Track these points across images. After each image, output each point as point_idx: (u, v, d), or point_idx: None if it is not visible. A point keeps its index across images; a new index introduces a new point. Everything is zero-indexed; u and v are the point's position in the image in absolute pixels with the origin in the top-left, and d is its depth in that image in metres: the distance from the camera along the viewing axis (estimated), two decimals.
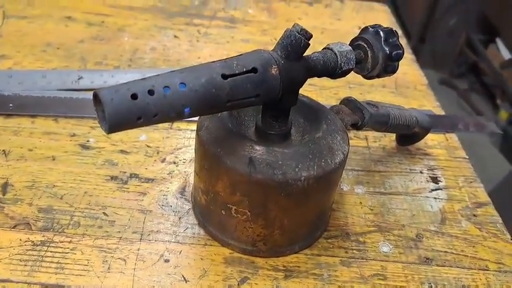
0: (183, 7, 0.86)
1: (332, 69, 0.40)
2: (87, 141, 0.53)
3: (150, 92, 0.30)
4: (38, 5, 0.79)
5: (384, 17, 0.92)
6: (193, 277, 0.40)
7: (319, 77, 0.40)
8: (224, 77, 0.33)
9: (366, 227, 0.47)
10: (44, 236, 0.41)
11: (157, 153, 0.52)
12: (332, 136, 0.40)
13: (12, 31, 0.71)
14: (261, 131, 0.41)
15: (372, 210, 0.49)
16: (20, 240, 0.41)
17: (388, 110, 0.48)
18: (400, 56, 0.41)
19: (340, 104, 0.48)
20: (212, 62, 0.34)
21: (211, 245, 0.43)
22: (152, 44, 0.73)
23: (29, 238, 0.41)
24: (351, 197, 0.50)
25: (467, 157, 0.58)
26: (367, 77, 0.43)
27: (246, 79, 0.34)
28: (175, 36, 0.76)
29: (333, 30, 0.84)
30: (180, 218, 0.45)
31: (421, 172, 0.55)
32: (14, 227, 0.42)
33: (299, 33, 0.36)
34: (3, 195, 0.45)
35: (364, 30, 0.43)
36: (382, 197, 0.51)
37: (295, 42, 0.36)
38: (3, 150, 0.50)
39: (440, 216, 0.49)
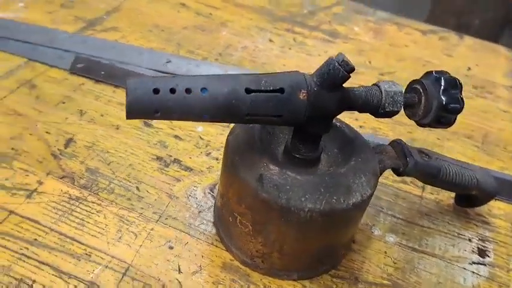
0: (290, 13, 0.87)
1: (374, 107, 0.38)
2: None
3: (172, 91, 0.32)
4: None
5: (503, 63, 0.83)
6: (188, 271, 0.41)
7: (359, 112, 0.38)
8: (248, 91, 0.34)
9: (381, 278, 0.44)
10: (81, 193, 0.47)
11: (206, 146, 0.55)
12: (356, 175, 0.38)
13: (130, 8, 0.79)
14: (287, 152, 0.40)
15: (394, 263, 0.45)
16: (61, 190, 0.47)
17: (441, 164, 0.44)
18: (457, 110, 0.38)
19: (388, 144, 0.45)
20: (245, 74, 0.35)
21: (216, 246, 0.44)
22: (246, 43, 0.76)
23: (68, 191, 0.47)
24: (378, 243, 0.47)
25: None
26: (419, 123, 0.40)
27: (270, 97, 0.34)
28: (270, 40, 0.78)
29: (436, 66, 0.78)
30: (199, 212, 0.47)
31: (469, 240, 0.49)
32: (61, 178, 0.48)
33: (339, 64, 0.35)
34: (65, 148, 0.51)
35: (427, 74, 0.40)
36: (412, 253, 0.47)
37: (333, 72, 0.35)
38: (81, 110, 0.57)
39: None
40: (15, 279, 0.39)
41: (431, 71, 0.39)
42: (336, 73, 0.35)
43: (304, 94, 0.35)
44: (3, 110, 0.54)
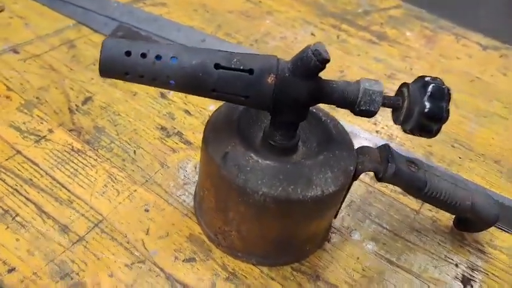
0: (343, 10, 0.85)
1: (350, 103, 0.37)
2: (168, 92, 0.60)
3: (143, 55, 0.34)
4: None
5: None
6: (155, 234, 0.43)
7: (337, 106, 0.37)
8: (217, 66, 0.34)
9: (343, 282, 0.43)
10: (82, 147, 0.50)
11: None
12: (322, 170, 0.37)
13: None
14: (264, 138, 0.40)
15: (363, 271, 0.44)
16: (66, 141, 0.51)
17: (429, 178, 0.42)
18: (439, 119, 0.36)
19: (377, 148, 0.43)
20: (220, 50, 0.36)
21: (190, 218, 0.45)
22: (286, 34, 0.76)
23: (72, 143, 0.51)
24: (354, 248, 0.46)
25: None
26: (402, 129, 0.38)
27: (238, 76, 0.35)
28: (312, 34, 0.77)
29: (485, 84, 0.72)
30: (184, 184, 0.49)
31: (456, 265, 0.46)
32: (70, 130, 0.52)
33: (313, 53, 0.34)
34: (82, 105, 0.55)
35: (419, 78, 0.38)
36: (386, 265, 0.45)
37: (306, 59, 0.34)
38: None
39: None
40: (3, 209, 0.43)
41: (424, 76, 0.37)
42: (307, 61, 0.34)
43: (272, 78, 0.35)
44: (40, 63, 0.60)
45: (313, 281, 0.42)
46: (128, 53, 0.34)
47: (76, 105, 0.55)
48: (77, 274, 0.39)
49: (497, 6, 1.07)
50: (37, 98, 0.55)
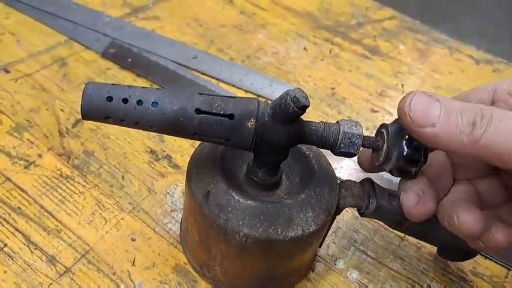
0: (336, 22, 0.85)
1: (331, 145, 0.37)
2: None
3: (124, 101, 0.34)
4: None
5: None
6: (141, 265, 0.44)
7: (317, 147, 0.38)
8: (198, 111, 0.35)
9: None
10: (71, 172, 0.51)
11: None
12: (303, 209, 0.38)
13: None
14: (247, 173, 0.41)
15: None
16: (55, 167, 0.51)
17: None
18: (417, 162, 0.36)
19: (359, 181, 0.44)
20: (201, 93, 0.36)
21: (175, 247, 0.46)
22: (278, 48, 0.76)
23: (61, 168, 0.51)
24: (338, 277, 0.47)
25: None
26: (384, 170, 0.39)
27: (218, 121, 0.35)
28: (304, 48, 0.77)
29: None
30: (171, 211, 0.49)
31: None
32: (59, 155, 0.53)
33: (291, 100, 0.35)
34: (72, 127, 0.56)
35: (397, 120, 0.38)
36: None
37: (284, 106, 0.35)
38: None
39: None
40: (7, 237, 0.44)
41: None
42: (286, 108, 0.34)
43: (252, 123, 0.35)
44: (31, 83, 0.60)
45: None
46: (110, 99, 0.34)
47: (66, 127, 0.56)
48: None
49: (493, 18, 1.06)
50: (28, 120, 0.56)
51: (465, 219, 0.35)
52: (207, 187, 0.38)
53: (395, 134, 0.36)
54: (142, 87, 0.36)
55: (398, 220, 0.42)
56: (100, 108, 0.34)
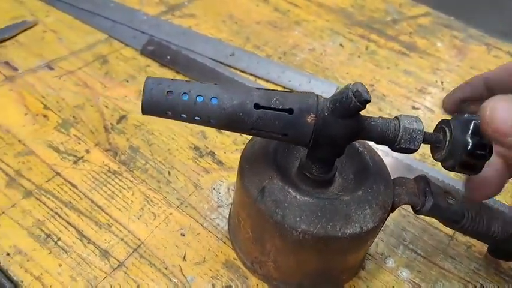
0: (371, 18, 0.84)
1: (390, 140, 0.36)
2: None
3: (184, 95, 0.34)
4: None
5: None
6: (192, 259, 0.44)
7: (375, 142, 0.37)
8: (257, 106, 0.35)
9: None
10: (119, 168, 0.51)
11: (243, 144, 0.56)
12: (360, 206, 0.37)
13: None
14: (300, 169, 0.41)
15: None
16: (103, 162, 0.52)
17: (466, 210, 0.41)
18: (483, 157, 0.35)
19: (413, 178, 0.43)
20: (259, 88, 0.36)
21: (224, 243, 0.46)
22: (314, 45, 0.76)
23: (108, 164, 0.52)
24: (389, 275, 0.46)
25: None
26: (443, 166, 0.38)
27: (277, 116, 0.35)
28: (340, 45, 0.77)
29: None
30: (218, 207, 0.49)
31: None
32: (106, 151, 0.53)
33: (353, 94, 0.34)
34: (117, 123, 0.56)
35: (459, 114, 0.37)
36: None
37: (345, 100, 0.34)
38: (140, 90, 0.61)
39: None
40: (45, 233, 0.44)
41: (464, 113, 0.37)
42: (347, 102, 0.34)
43: (312, 118, 0.35)
44: (75, 80, 0.61)
45: None
46: (170, 93, 0.34)
47: (111, 123, 0.56)
48: None
49: None
50: (73, 116, 0.56)
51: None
52: (262, 183, 0.38)
53: (458, 130, 0.36)
54: (201, 83, 0.36)
55: (455, 219, 0.41)
56: (160, 103, 0.34)
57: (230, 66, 0.68)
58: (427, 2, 0.92)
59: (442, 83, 0.72)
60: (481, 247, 0.50)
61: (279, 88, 0.66)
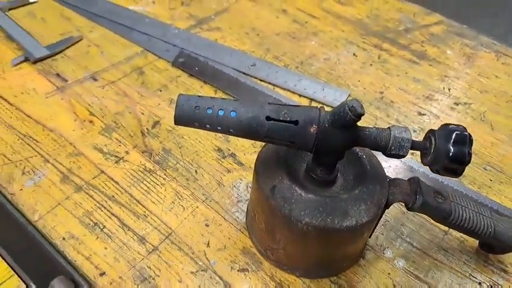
0: (385, 28, 0.90)
1: (382, 148, 0.43)
2: None
3: (208, 110, 0.42)
4: None
5: None
6: (214, 246, 0.52)
7: (370, 149, 0.44)
8: (268, 118, 0.42)
9: None
10: (153, 167, 0.60)
11: (260, 147, 0.64)
12: (356, 203, 0.44)
13: (236, 10, 0.90)
14: (307, 170, 0.48)
15: (394, 286, 0.50)
16: (140, 162, 0.60)
17: (454, 208, 0.47)
18: (462, 162, 0.41)
19: (407, 179, 0.49)
20: (270, 103, 0.43)
21: (242, 233, 0.54)
22: (330, 54, 0.82)
23: (145, 164, 0.60)
24: (386, 264, 0.52)
25: None
26: (431, 169, 0.44)
27: (285, 127, 0.42)
28: (354, 54, 0.83)
29: None
30: (238, 202, 0.57)
31: (479, 283, 0.51)
32: (143, 152, 0.61)
33: (349, 109, 0.41)
34: (152, 128, 0.65)
35: (444, 126, 0.43)
36: (414, 281, 0.51)
37: (342, 114, 0.41)
38: (172, 98, 0.70)
39: None
40: (93, 222, 0.53)
41: (448, 124, 0.43)
42: (344, 116, 0.41)
43: (314, 129, 0.42)
44: (115, 90, 0.70)
45: None
46: (197, 108, 0.42)
47: (147, 128, 0.65)
48: (153, 279, 0.49)
49: None
50: (115, 122, 0.65)
51: None
52: (273, 182, 0.45)
53: (442, 139, 0.42)
54: (222, 99, 0.43)
55: (444, 215, 0.47)
56: (189, 116, 0.42)
57: (251, 76, 0.75)
58: (443, 11, 0.97)
59: (449, 89, 0.77)
60: (473, 242, 0.55)
61: (295, 96, 0.73)
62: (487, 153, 0.67)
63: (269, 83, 0.75)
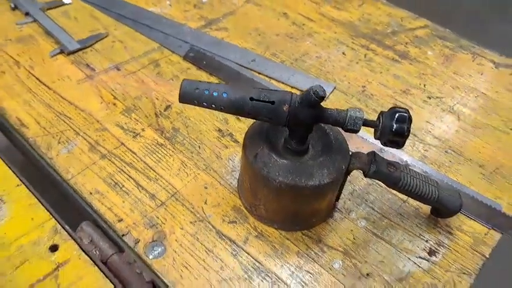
0: (373, 31, 1.01)
1: (340, 123, 0.55)
2: None
3: (206, 91, 0.54)
4: None
5: None
6: (210, 203, 0.64)
7: (332, 125, 0.56)
8: (251, 99, 0.54)
9: (337, 245, 0.61)
10: (164, 142, 0.72)
11: None
12: (319, 167, 0.56)
13: (243, 13, 1.03)
14: (284, 143, 0.59)
15: (354, 239, 0.62)
16: (153, 138, 0.73)
17: (402, 176, 0.58)
18: (402, 135, 0.52)
19: (367, 153, 0.61)
20: (255, 88, 0.55)
21: (234, 195, 0.66)
22: (321, 53, 0.94)
23: (157, 139, 0.73)
24: (350, 223, 0.64)
25: (487, 256, 0.61)
26: (381, 142, 0.55)
27: (263, 106, 0.54)
28: (343, 53, 0.94)
29: (488, 99, 0.86)
30: (232, 171, 0.69)
31: (426, 241, 0.63)
32: (156, 130, 0.74)
33: (313, 92, 0.53)
34: (164, 111, 0.77)
35: (391, 108, 0.55)
36: (372, 237, 0.62)
37: (308, 96, 0.53)
38: None
39: (403, 275, 0.59)
40: (114, 182, 0.66)
41: (395, 107, 0.54)
42: (309, 98, 0.53)
43: (287, 107, 0.53)
44: (135, 78, 0.83)
45: (316, 243, 0.61)
46: (197, 89, 0.54)
47: (160, 111, 0.77)
48: (160, 225, 0.61)
49: None
50: (133, 105, 0.78)
51: None
52: (256, 151, 0.58)
53: (388, 118, 0.53)
54: (217, 83, 0.55)
55: (394, 181, 0.58)
56: (190, 95, 0.54)
57: (251, 70, 0.88)
58: (430, 16, 1.07)
59: (424, 85, 0.88)
60: (427, 209, 0.66)
61: (288, 87, 0.85)
62: (450, 139, 0.78)
63: (266, 76, 0.87)
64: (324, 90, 0.53)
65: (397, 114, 0.53)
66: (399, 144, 0.54)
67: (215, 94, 0.54)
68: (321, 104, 0.55)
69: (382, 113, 0.55)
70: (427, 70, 0.92)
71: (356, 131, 0.55)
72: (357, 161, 0.59)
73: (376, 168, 0.58)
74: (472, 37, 1.02)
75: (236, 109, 0.54)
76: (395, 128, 0.53)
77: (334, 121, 0.55)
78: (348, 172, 0.59)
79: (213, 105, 0.55)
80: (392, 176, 0.59)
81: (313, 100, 0.53)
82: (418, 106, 0.84)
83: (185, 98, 0.55)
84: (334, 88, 0.85)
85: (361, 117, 0.54)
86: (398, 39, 0.99)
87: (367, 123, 0.55)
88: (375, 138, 0.56)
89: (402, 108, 0.54)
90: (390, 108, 0.55)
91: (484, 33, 1.06)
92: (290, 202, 0.59)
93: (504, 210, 0.67)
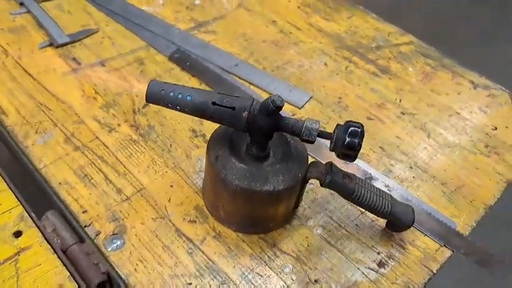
0: (358, 44, 1.03)
1: (296, 134, 0.57)
2: None
3: (171, 93, 0.57)
4: (266, 5, 1.10)
5: None
6: (174, 202, 0.67)
7: (289, 134, 0.58)
8: (213, 103, 0.56)
9: (291, 250, 0.63)
10: (138, 138, 0.75)
11: None
12: (275, 174, 0.58)
13: (233, 17, 1.05)
14: (246, 148, 0.62)
15: (308, 246, 0.64)
16: (128, 134, 0.75)
17: (357, 188, 0.61)
18: (353, 148, 0.54)
19: (325, 163, 0.63)
20: (219, 93, 0.57)
21: (198, 195, 0.68)
22: (303, 62, 0.96)
23: (131, 135, 0.75)
24: (306, 230, 0.66)
25: (434, 272, 0.63)
26: (335, 154, 0.58)
27: (225, 111, 0.56)
28: (325, 64, 0.96)
29: (461, 118, 0.88)
30: (199, 171, 0.71)
31: (378, 253, 0.65)
32: (131, 126, 0.77)
33: (271, 101, 0.55)
34: (142, 108, 0.80)
35: (346, 122, 0.57)
36: (325, 245, 0.64)
37: (266, 105, 0.55)
38: None
39: (350, 284, 0.61)
40: (84, 173, 0.69)
41: (350, 121, 0.56)
42: (267, 106, 0.55)
43: (246, 114, 0.56)
44: (118, 75, 0.86)
45: (270, 247, 0.63)
46: (162, 91, 0.57)
47: (138, 108, 0.80)
48: (122, 220, 0.64)
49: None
50: (113, 100, 0.81)
51: None
52: (217, 153, 0.60)
53: (341, 131, 0.55)
54: (183, 86, 0.58)
55: (348, 192, 0.61)
56: (156, 95, 0.57)
57: (233, 74, 0.90)
58: (418, 33, 1.09)
59: (400, 101, 0.90)
60: (383, 222, 0.68)
61: (266, 94, 0.87)
62: (417, 155, 0.79)
63: (246, 81, 0.89)
64: (282, 100, 0.55)
65: (350, 128, 0.55)
66: (351, 157, 0.56)
67: (180, 96, 0.57)
68: (280, 112, 0.57)
69: (338, 125, 0.57)
70: (405, 86, 0.94)
71: (311, 142, 0.57)
72: (314, 170, 0.61)
73: (331, 178, 0.60)
74: (455, 57, 1.04)
75: (198, 112, 0.57)
76: (347, 141, 0.55)
77: (290, 130, 0.57)
78: (305, 180, 0.61)
79: (178, 107, 0.57)
80: (347, 187, 0.61)
81: (270, 109, 0.55)
82: (391, 120, 0.86)
83: (151, 98, 0.57)
84: (311, 97, 0.87)
85: (315, 129, 0.56)
86: (381, 54, 1.01)
87: (322, 135, 0.57)
88: (330, 150, 0.58)
89: (356, 122, 0.56)
90: (346, 122, 0.57)
91: (469, 53, 1.07)
92: (246, 205, 0.61)
93: (458, 229, 0.69)
